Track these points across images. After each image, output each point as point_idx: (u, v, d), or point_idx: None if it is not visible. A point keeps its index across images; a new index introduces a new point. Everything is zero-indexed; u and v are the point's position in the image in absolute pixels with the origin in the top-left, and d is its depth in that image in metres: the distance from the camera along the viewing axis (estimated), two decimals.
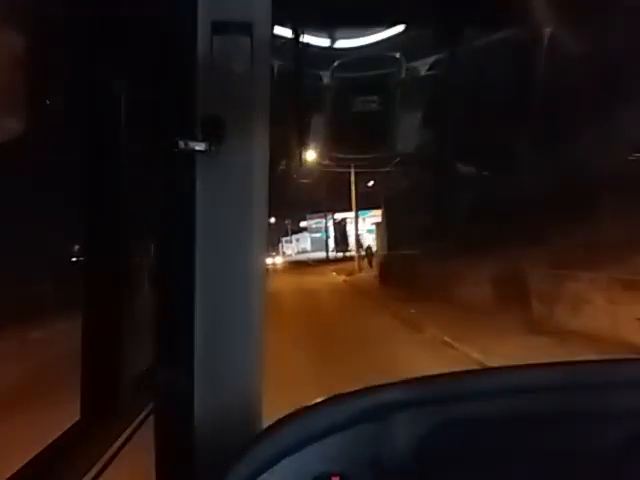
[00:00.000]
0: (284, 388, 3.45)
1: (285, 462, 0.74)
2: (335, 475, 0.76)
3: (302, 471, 0.75)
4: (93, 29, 0.96)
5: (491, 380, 0.91)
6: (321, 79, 1.66)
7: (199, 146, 0.83)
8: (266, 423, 0.86)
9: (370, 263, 23.14)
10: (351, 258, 27.97)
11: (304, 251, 43.47)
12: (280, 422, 0.77)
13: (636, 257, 7.26)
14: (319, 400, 0.81)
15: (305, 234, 45.40)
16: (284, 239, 45.77)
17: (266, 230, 0.95)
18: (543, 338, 7.20)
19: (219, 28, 0.85)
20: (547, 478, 0.79)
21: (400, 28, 1.56)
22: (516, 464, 0.79)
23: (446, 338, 7.90)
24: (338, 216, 37.66)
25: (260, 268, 0.92)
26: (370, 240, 25.71)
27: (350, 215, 33.62)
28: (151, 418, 0.97)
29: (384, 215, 20.03)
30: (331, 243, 37.61)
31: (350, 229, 35.77)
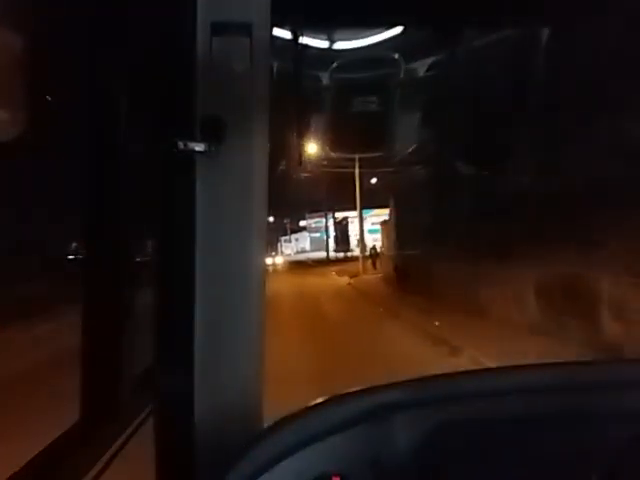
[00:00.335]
0: None
1: (285, 462, 0.74)
2: (335, 475, 0.76)
3: (302, 471, 0.75)
4: (93, 29, 0.96)
5: (491, 380, 0.92)
6: (320, 80, 1.67)
7: (199, 147, 0.83)
8: (266, 423, 0.86)
9: (374, 264, 21.84)
10: (352, 258, 27.25)
11: (303, 251, 43.36)
12: (280, 422, 0.77)
13: None
14: (319, 400, 0.81)
15: (304, 233, 45.26)
16: (283, 238, 45.64)
17: (266, 230, 0.95)
18: None
19: (218, 29, 0.86)
20: (547, 478, 0.79)
21: (399, 29, 1.56)
22: (516, 464, 0.80)
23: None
24: (339, 215, 37.21)
25: (260, 268, 0.93)
26: (370, 241, 24.50)
27: (351, 214, 33.39)
28: (151, 418, 0.97)
29: (393, 212, 17.73)
30: (331, 243, 37.13)
31: (351, 229, 35.57)
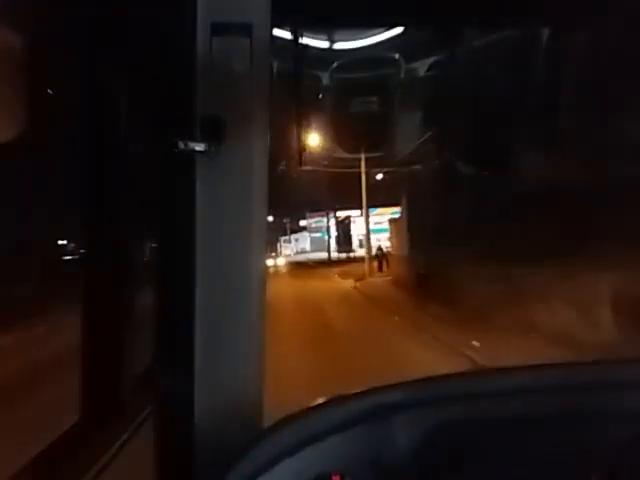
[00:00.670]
0: None
1: (285, 462, 0.74)
2: (335, 475, 0.76)
3: (302, 471, 0.75)
4: (93, 29, 0.96)
5: (491, 381, 0.92)
6: (320, 80, 1.67)
7: (199, 146, 0.83)
8: (266, 423, 0.86)
9: (380, 266, 20.32)
10: (355, 259, 26.34)
11: (303, 251, 43.13)
12: (280, 422, 0.77)
13: None
14: (320, 401, 0.81)
15: (304, 233, 45.03)
16: (282, 239, 45.42)
17: (266, 230, 0.95)
18: None
19: (218, 29, 0.86)
20: (547, 478, 0.79)
21: (399, 29, 1.56)
22: (516, 464, 0.80)
23: None
24: (341, 214, 36.38)
25: (260, 268, 0.93)
26: (373, 241, 22.87)
27: (354, 213, 32.88)
28: (151, 418, 0.97)
29: (406, 208, 15.67)
30: (333, 243, 36.33)
31: (353, 228, 35.11)
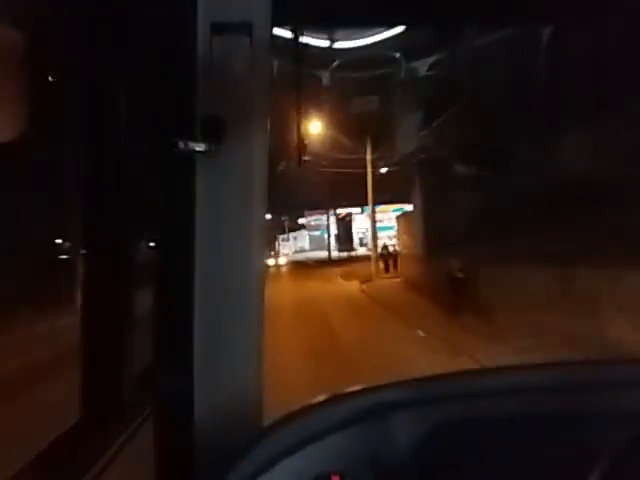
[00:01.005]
0: None
1: (285, 462, 0.74)
2: (335, 475, 0.76)
3: (302, 470, 0.75)
4: (93, 29, 0.96)
5: (491, 380, 0.92)
6: (321, 79, 1.66)
7: (199, 146, 0.83)
8: (266, 423, 0.86)
9: (387, 267, 19.17)
10: (357, 259, 25.41)
11: (302, 250, 42.85)
12: (280, 422, 0.77)
13: None
14: (319, 400, 0.81)
15: (303, 232, 44.77)
16: (281, 237, 45.07)
17: (265, 230, 0.95)
18: None
19: (219, 29, 0.86)
20: (546, 478, 0.80)
21: (400, 29, 1.56)
22: (515, 464, 0.80)
23: None
24: (341, 211, 35.56)
25: (260, 268, 0.93)
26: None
27: (355, 210, 32.42)
28: (151, 418, 0.97)
29: (420, 202, 13.74)
30: (333, 241, 35.55)
31: (354, 226, 34.61)
